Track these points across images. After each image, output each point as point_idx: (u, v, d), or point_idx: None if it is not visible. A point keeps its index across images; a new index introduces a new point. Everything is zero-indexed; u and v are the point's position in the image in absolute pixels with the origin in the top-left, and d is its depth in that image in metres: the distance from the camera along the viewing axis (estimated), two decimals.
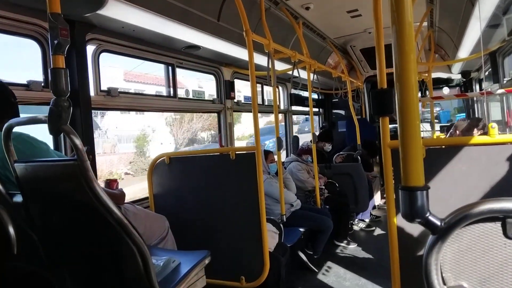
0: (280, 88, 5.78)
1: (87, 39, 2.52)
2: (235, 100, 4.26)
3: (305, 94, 6.11)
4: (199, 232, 2.56)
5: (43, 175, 1.38)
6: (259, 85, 5.08)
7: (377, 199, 5.74)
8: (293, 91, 6.01)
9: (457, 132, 3.10)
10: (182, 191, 2.66)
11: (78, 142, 1.21)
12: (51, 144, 2.29)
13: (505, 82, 4.59)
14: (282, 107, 5.82)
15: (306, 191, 4.25)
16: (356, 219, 5.13)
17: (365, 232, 4.97)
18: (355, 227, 5.04)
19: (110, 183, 2.25)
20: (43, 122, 1.25)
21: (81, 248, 1.46)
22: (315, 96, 7.16)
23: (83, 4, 2.09)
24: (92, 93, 2.55)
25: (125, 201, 2.25)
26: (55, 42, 1.22)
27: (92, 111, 2.50)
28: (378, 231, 4.95)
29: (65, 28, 1.22)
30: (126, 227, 1.32)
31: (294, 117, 6.77)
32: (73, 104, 2.36)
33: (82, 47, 2.44)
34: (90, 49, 2.63)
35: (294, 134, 6.10)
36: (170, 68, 3.41)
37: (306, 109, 6.44)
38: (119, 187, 2.31)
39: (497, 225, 0.65)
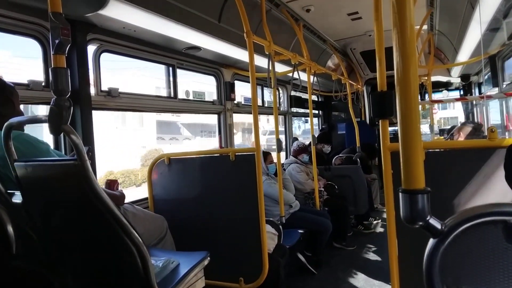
0: (280, 90, 5.78)
1: (88, 39, 2.52)
2: (235, 102, 4.26)
3: (305, 96, 6.11)
4: (199, 233, 2.55)
5: (43, 175, 1.38)
6: (259, 87, 5.09)
7: (376, 202, 5.74)
8: (293, 93, 6.01)
9: (461, 134, 3.10)
10: (181, 192, 2.67)
11: (78, 142, 1.21)
12: (51, 144, 2.29)
13: (504, 86, 4.60)
14: (282, 109, 5.82)
15: (305, 193, 4.25)
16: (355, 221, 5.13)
17: (364, 234, 4.97)
18: (354, 229, 5.03)
19: (111, 184, 2.24)
20: (44, 121, 1.25)
21: (81, 248, 1.46)
22: (315, 98, 7.17)
23: (84, 4, 2.09)
24: (92, 93, 2.55)
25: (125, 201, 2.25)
26: (56, 41, 1.22)
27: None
28: (377, 233, 4.95)
29: (66, 28, 1.22)
30: (125, 227, 1.32)
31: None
32: (74, 104, 2.40)
33: (83, 47, 2.44)
34: (91, 49, 2.64)
35: (294, 136, 6.10)
36: (170, 68, 3.41)
37: (306, 111, 6.45)
38: (119, 188, 2.30)
39: (498, 229, 0.65)
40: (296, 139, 5.91)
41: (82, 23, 2.39)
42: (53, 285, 1.42)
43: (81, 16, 2.27)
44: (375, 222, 5.34)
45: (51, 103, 1.23)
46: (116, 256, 1.41)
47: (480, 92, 6.16)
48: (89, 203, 1.28)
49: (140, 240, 1.35)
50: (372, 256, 4.09)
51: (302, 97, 6.55)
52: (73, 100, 2.36)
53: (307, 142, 5.15)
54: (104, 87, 2.69)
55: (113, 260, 1.42)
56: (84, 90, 2.42)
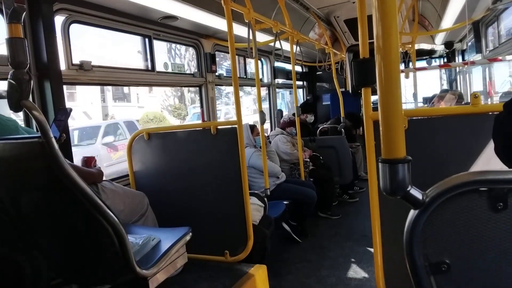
0: (263, 61, 5.66)
1: (54, 10, 2.36)
2: (217, 74, 4.15)
3: (289, 67, 6.01)
4: (181, 209, 2.52)
5: (8, 155, 1.30)
6: (241, 58, 4.96)
7: (360, 170, 5.80)
8: (277, 64, 5.90)
9: (441, 102, 3.10)
10: (162, 168, 2.61)
11: (41, 118, 1.13)
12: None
13: (487, 52, 4.59)
14: (265, 80, 5.72)
15: (291, 164, 4.26)
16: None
17: (349, 203, 5.05)
18: (339, 199, 5.10)
19: (87, 161, 2.16)
20: (3, 97, 1.16)
21: (54, 230, 1.40)
22: (298, 69, 7.06)
23: None
24: (63, 67, 2.42)
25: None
26: (10, 9, 1.11)
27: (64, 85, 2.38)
28: (361, 202, 5.03)
29: None
30: (99, 206, 1.26)
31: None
32: (43, 79, 2.28)
33: (49, 18, 2.28)
34: (59, 20, 2.48)
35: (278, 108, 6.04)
36: (146, 40, 3.26)
37: (290, 82, 6.37)
38: (97, 165, 2.23)
39: (482, 199, 0.61)
40: (280, 111, 5.86)
41: None
42: (24, 269, 1.37)
43: None
44: (359, 191, 5.41)
45: (9, 77, 1.13)
46: (91, 236, 1.36)
47: (463, 59, 6.17)
48: (58, 183, 1.21)
49: (116, 218, 1.30)
50: (357, 225, 4.16)
51: (286, 68, 6.45)
52: (42, 74, 2.28)
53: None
54: (76, 60, 2.56)
55: (88, 240, 1.37)
56: (53, 64, 2.28)
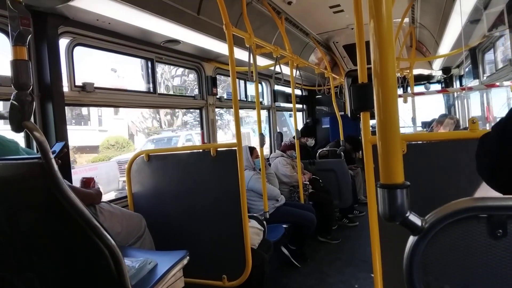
0: (264, 84, 5.73)
1: (59, 32, 2.41)
2: (218, 96, 4.19)
3: (289, 90, 6.08)
4: (180, 231, 2.50)
5: (7, 175, 1.29)
6: (242, 81, 5.02)
7: (360, 194, 5.77)
8: (277, 87, 5.97)
9: (440, 127, 3.12)
10: (161, 189, 2.60)
11: (42, 139, 1.13)
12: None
13: (485, 78, 4.65)
14: (265, 103, 5.78)
15: (291, 186, 4.24)
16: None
17: (349, 228, 4.99)
18: (339, 223, 5.05)
19: (86, 182, 2.16)
20: (5, 118, 1.17)
21: (50, 252, 1.38)
22: (298, 92, 7.15)
23: None
24: (66, 88, 2.45)
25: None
26: (16, 32, 1.14)
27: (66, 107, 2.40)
28: (361, 226, 4.97)
29: (26, 17, 1.14)
30: (96, 229, 1.25)
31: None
32: (46, 100, 2.31)
33: (54, 41, 2.33)
34: (63, 43, 2.53)
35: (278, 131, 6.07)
36: (149, 63, 3.31)
37: (290, 105, 6.43)
38: (97, 186, 2.22)
39: (481, 225, 0.61)
40: (280, 133, 5.88)
41: (53, 15, 2.28)
42: None
43: (51, 8, 2.17)
44: (359, 215, 5.36)
45: (12, 98, 1.15)
46: (87, 259, 1.34)
47: (461, 85, 6.24)
48: (56, 204, 1.20)
49: (113, 241, 1.28)
50: (357, 249, 4.10)
51: (286, 91, 6.52)
52: (45, 95, 2.31)
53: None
54: (79, 82, 2.59)
55: (85, 263, 1.35)
56: (56, 85, 2.31)
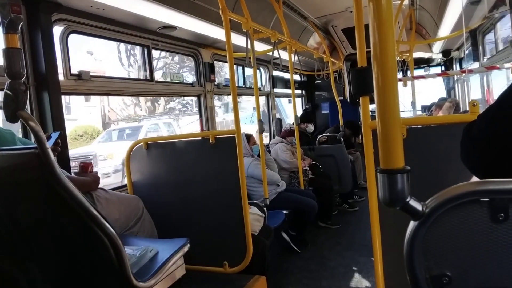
0: (262, 70, 5.68)
1: (53, 20, 2.37)
2: (216, 83, 4.16)
3: (288, 76, 6.02)
4: (180, 219, 2.50)
5: (4, 165, 1.28)
6: (240, 67, 4.97)
7: (360, 178, 5.78)
8: (276, 73, 5.92)
9: (439, 111, 3.10)
10: (161, 178, 2.59)
11: (37, 128, 1.12)
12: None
13: (485, 60, 4.61)
14: (264, 89, 5.73)
15: (291, 172, 4.25)
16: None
17: (349, 213, 5.01)
18: (339, 208, 5.07)
19: (84, 167, 2.13)
20: None
21: (50, 241, 1.38)
22: (297, 78, 7.09)
23: None
24: (61, 77, 2.42)
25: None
26: (7, 20, 1.11)
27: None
28: (362, 211, 5.00)
29: (16, 4, 1.11)
30: (95, 218, 1.24)
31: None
32: (41, 89, 2.28)
33: (48, 28, 2.29)
34: (57, 30, 2.48)
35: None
36: (145, 50, 3.27)
37: (289, 91, 6.39)
38: (94, 170, 2.21)
39: (483, 209, 0.60)
40: (279, 119, 5.86)
41: (46, 2, 2.24)
42: (19, 281, 1.35)
43: None
44: (359, 200, 5.38)
45: (5, 87, 1.13)
46: (87, 248, 1.34)
47: (461, 67, 6.19)
48: (54, 194, 1.20)
49: (112, 230, 1.28)
50: (357, 234, 4.13)
51: (285, 77, 6.46)
52: (40, 85, 2.28)
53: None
54: (75, 70, 2.56)
55: (85, 252, 1.35)
56: (51, 74, 2.28)
